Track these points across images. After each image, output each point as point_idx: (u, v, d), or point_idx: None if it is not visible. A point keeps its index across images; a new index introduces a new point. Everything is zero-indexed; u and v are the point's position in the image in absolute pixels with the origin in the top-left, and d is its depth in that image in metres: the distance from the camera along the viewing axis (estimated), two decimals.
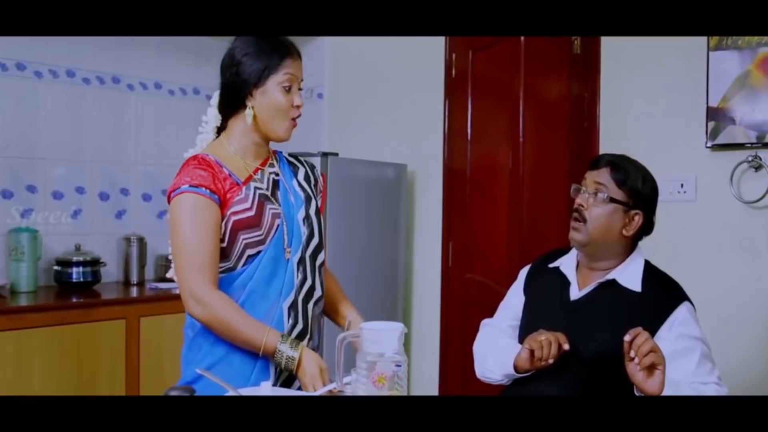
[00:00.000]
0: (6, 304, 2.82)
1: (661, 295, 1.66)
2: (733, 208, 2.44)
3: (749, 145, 2.38)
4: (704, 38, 2.46)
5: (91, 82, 3.48)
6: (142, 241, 3.51)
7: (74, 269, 3.23)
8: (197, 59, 3.88)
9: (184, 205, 1.58)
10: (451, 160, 3.39)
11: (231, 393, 1.36)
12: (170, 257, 1.67)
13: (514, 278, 3.05)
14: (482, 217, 3.26)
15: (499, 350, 1.75)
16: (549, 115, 3.00)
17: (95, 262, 3.29)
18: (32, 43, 3.27)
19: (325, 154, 3.19)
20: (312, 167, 1.84)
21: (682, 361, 1.58)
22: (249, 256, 1.62)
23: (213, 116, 1.76)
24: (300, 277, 1.67)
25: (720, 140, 2.44)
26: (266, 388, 1.41)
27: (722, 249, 2.46)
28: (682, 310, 1.63)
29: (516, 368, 1.64)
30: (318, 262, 1.72)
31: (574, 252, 1.81)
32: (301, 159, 1.85)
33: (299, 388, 1.61)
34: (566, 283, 1.76)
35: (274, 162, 1.76)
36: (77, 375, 2.84)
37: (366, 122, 3.78)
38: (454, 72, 3.38)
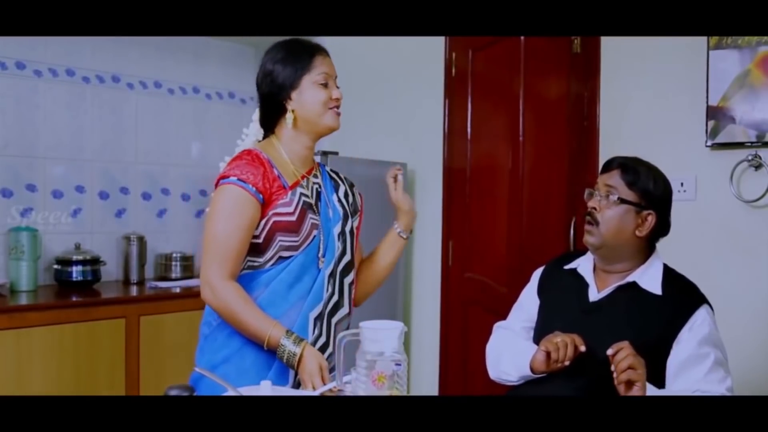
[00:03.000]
0: (6, 303, 2.82)
1: (681, 297, 1.65)
2: (733, 207, 2.44)
3: (749, 144, 2.38)
4: (704, 37, 2.46)
5: (91, 81, 3.48)
6: (141, 240, 3.51)
7: (74, 268, 3.23)
8: (197, 58, 3.88)
9: (227, 196, 1.61)
10: (451, 159, 3.39)
11: (231, 392, 1.36)
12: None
13: (514, 277, 3.07)
14: (482, 216, 3.26)
15: (514, 352, 1.75)
16: (549, 115, 3.00)
17: (95, 261, 3.30)
18: (32, 42, 3.27)
19: (325, 153, 3.19)
20: (351, 185, 1.87)
21: (695, 367, 1.58)
22: (280, 258, 1.65)
23: (254, 130, 1.80)
24: (329, 290, 1.69)
25: (720, 139, 2.44)
26: (266, 388, 1.41)
27: (722, 248, 2.46)
28: (702, 312, 1.63)
29: (532, 370, 1.64)
30: (348, 281, 1.75)
31: (590, 254, 1.80)
32: (342, 176, 1.87)
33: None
34: (584, 285, 1.75)
35: (318, 174, 1.78)
36: (77, 374, 2.84)
37: (366, 121, 3.78)
38: (454, 71, 3.38)
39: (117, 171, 3.58)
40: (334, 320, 1.71)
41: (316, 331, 1.66)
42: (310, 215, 1.66)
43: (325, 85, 1.68)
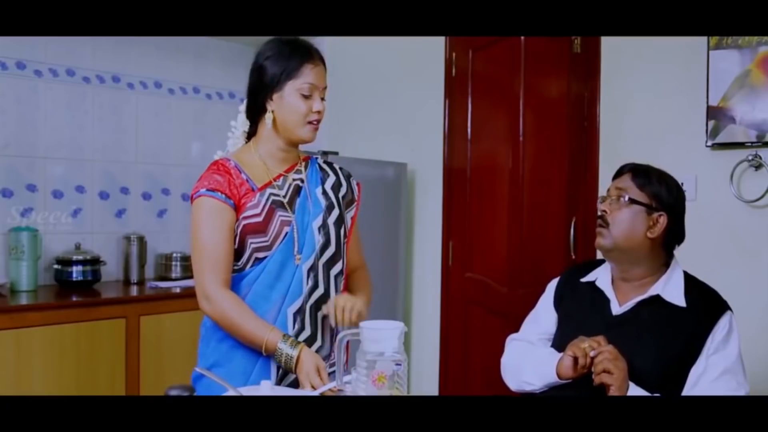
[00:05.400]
0: (6, 303, 2.82)
1: (705, 308, 1.65)
2: (733, 207, 2.44)
3: (749, 144, 2.38)
4: (704, 37, 2.46)
5: (91, 81, 3.48)
6: (142, 240, 3.51)
7: (74, 268, 3.23)
8: (197, 58, 3.88)
9: (202, 208, 1.64)
10: (451, 159, 3.39)
11: (231, 392, 1.36)
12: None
13: (514, 277, 3.07)
14: (482, 216, 3.26)
15: (536, 361, 1.73)
16: (549, 115, 3.00)
17: (95, 261, 3.30)
18: (32, 42, 3.27)
19: (325, 153, 3.19)
20: (347, 176, 1.86)
21: (704, 376, 1.59)
22: (257, 259, 1.67)
23: (241, 122, 1.81)
24: (310, 284, 1.69)
25: (720, 139, 2.44)
26: (266, 388, 1.41)
27: (722, 248, 2.46)
28: (723, 321, 1.63)
29: (559, 376, 1.63)
30: (333, 272, 1.74)
31: (607, 265, 1.79)
32: (336, 167, 1.87)
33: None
34: (605, 299, 1.74)
35: (302, 168, 1.78)
36: (77, 374, 2.84)
37: (366, 121, 3.78)
38: (454, 71, 3.38)
39: (117, 171, 3.58)
40: (320, 313, 1.71)
41: (297, 326, 1.67)
42: (279, 213, 1.67)
43: (309, 96, 1.67)
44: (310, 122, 1.69)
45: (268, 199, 1.67)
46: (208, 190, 1.64)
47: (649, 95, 2.67)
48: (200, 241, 1.63)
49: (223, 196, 1.63)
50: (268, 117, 1.69)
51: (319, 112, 1.69)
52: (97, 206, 3.51)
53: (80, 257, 3.25)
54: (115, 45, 3.54)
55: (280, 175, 1.73)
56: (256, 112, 1.73)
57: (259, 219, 1.65)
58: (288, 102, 1.67)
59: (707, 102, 2.46)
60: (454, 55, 3.38)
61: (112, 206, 3.56)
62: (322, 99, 1.71)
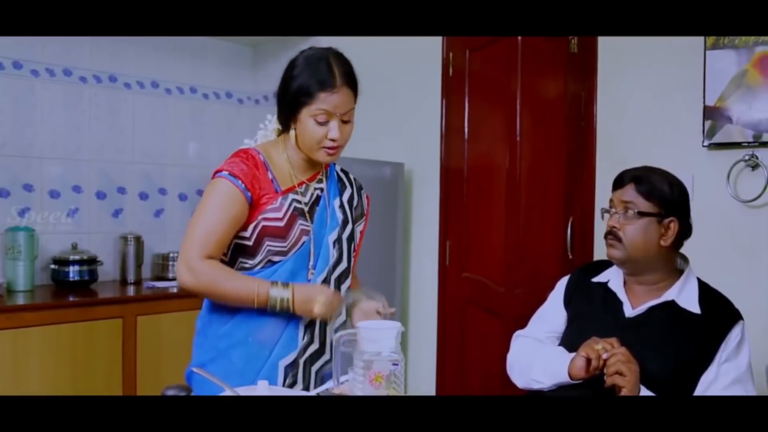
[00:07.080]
0: (3, 303, 2.81)
1: (718, 316, 1.65)
2: (730, 207, 2.44)
3: (746, 144, 2.38)
4: (701, 37, 2.46)
5: (88, 81, 3.48)
6: (139, 240, 3.51)
7: (71, 268, 3.23)
8: (194, 58, 3.88)
9: (218, 189, 1.61)
10: (448, 159, 3.39)
11: (228, 392, 1.36)
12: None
13: (511, 277, 3.07)
14: (479, 215, 3.26)
15: (546, 359, 1.72)
16: (546, 114, 3.00)
17: (92, 261, 3.29)
18: (29, 42, 3.26)
19: None
20: (359, 189, 1.86)
21: (713, 385, 1.59)
22: (270, 261, 1.65)
23: (275, 121, 1.78)
24: None
25: (717, 139, 2.44)
26: (263, 388, 1.41)
27: (719, 248, 2.47)
28: (737, 330, 1.63)
29: (570, 376, 1.62)
30: (344, 287, 1.74)
31: (617, 266, 1.78)
32: (351, 177, 1.86)
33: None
34: (617, 300, 1.73)
35: (323, 178, 1.77)
36: (74, 374, 2.84)
37: (363, 121, 3.75)
38: (451, 71, 3.38)
39: (114, 171, 3.58)
40: (329, 327, 1.70)
41: (306, 338, 1.66)
42: (300, 221, 1.65)
43: (324, 123, 1.62)
44: (324, 147, 1.64)
45: (290, 205, 1.65)
46: (230, 174, 1.60)
47: (646, 95, 2.67)
48: (201, 218, 1.60)
49: (243, 186, 1.60)
50: (291, 135, 1.67)
51: (334, 140, 1.63)
52: (94, 206, 3.51)
53: (77, 257, 3.24)
54: (113, 45, 3.54)
55: (303, 182, 1.71)
56: (283, 123, 1.72)
57: (281, 224, 1.63)
58: (304, 126, 1.63)
59: (704, 102, 2.46)
60: (451, 54, 3.38)
61: (109, 206, 3.56)
62: (346, 122, 1.66)
